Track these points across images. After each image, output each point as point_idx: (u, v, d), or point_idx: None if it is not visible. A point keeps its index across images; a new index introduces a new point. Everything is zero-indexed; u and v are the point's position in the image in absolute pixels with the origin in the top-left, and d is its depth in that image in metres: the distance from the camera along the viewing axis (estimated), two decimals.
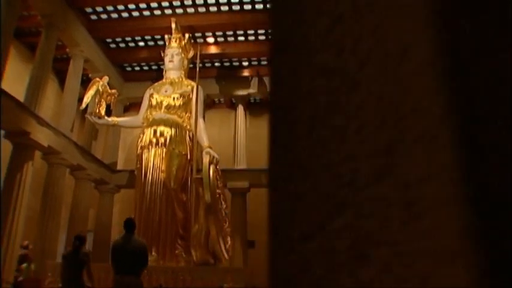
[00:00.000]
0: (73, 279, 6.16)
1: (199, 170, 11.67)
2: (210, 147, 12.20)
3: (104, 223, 16.85)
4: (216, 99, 19.97)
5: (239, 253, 15.14)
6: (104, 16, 15.68)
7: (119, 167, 18.24)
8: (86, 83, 14.92)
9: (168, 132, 12.53)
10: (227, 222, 11.65)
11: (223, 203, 11.64)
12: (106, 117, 14.07)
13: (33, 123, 12.09)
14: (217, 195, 11.13)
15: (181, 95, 13.22)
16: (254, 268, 13.30)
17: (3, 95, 10.94)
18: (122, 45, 17.43)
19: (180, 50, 14.14)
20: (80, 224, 14.99)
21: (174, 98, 13.13)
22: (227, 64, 18.49)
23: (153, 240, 11.67)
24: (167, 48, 14.33)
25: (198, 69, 12.98)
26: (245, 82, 18.45)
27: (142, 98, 14.84)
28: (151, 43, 17.12)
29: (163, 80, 14.08)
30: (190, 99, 13.24)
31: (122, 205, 18.69)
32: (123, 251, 5.63)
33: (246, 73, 18.54)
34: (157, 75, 15.95)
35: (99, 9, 15.30)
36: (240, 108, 18.15)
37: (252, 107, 19.67)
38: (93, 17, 15.71)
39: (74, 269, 6.20)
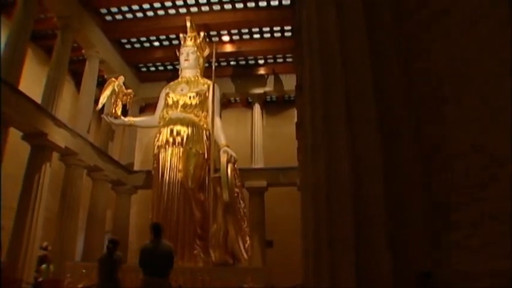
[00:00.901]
0: (108, 279, 6.67)
1: (216, 170, 11.53)
2: (228, 146, 12.03)
3: (121, 224, 16.83)
4: (232, 99, 19.87)
5: (257, 253, 15.00)
6: (118, 17, 15.66)
7: (136, 167, 18.24)
8: (101, 84, 14.92)
9: (184, 131, 12.40)
10: (246, 222, 11.45)
11: (241, 202, 11.44)
12: (122, 117, 14.01)
13: (50, 124, 12.11)
14: (236, 194, 10.94)
15: (198, 94, 13.08)
16: (272, 268, 13.16)
17: (21, 96, 10.98)
18: (137, 45, 17.41)
19: (196, 49, 14.01)
20: (98, 225, 15.01)
21: (190, 97, 13.00)
22: (243, 63, 18.34)
23: (171, 240, 11.40)
24: (182, 47, 14.22)
25: (214, 67, 12.84)
26: (261, 80, 18.30)
27: (158, 98, 14.76)
28: (166, 43, 17.06)
29: (179, 79, 13.96)
30: (206, 98, 13.10)
31: (139, 206, 18.68)
32: (152, 254, 5.98)
33: (261, 71, 18.39)
34: (173, 75, 15.90)
35: (113, 9, 15.29)
36: (257, 107, 18.00)
37: (268, 105, 19.53)
38: (108, 17, 15.70)
39: (109, 271, 6.71)
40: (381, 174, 1.94)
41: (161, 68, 18.93)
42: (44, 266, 12.26)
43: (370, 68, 2.12)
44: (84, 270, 10.86)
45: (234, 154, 11.59)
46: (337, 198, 2.07)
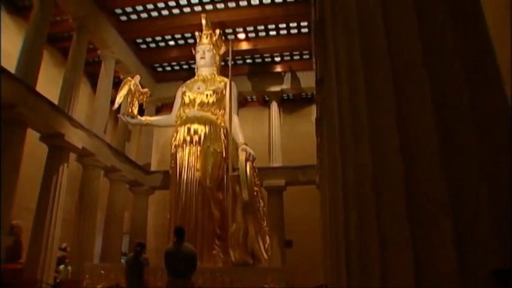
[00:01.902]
0: (135, 280, 6.99)
1: (235, 169, 11.35)
2: (246, 144, 11.84)
3: (139, 225, 16.77)
4: (248, 97, 19.70)
5: (277, 253, 14.77)
6: (133, 16, 15.60)
7: (153, 168, 18.18)
8: (117, 85, 14.84)
9: (202, 129, 12.22)
10: (265, 221, 11.25)
11: (260, 201, 11.24)
12: (139, 117, 13.90)
13: (67, 125, 12.07)
14: (255, 193, 10.73)
15: (215, 92, 12.90)
16: (292, 268, 12.93)
17: (38, 97, 10.96)
18: (152, 45, 17.32)
19: (212, 46, 13.83)
20: (116, 226, 14.95)
21: (207, 95, 12.81)
22: (259, 60, 18.14)
23: (189, 241, 11.24)
24: (198, 45, 14.05)
25: (230, 65, 12.65)
26: (278, 78, 18.08)
27: (174, 98, 14.65)
28: (181, 42, 16.95)
29: (195, 78, 13.80)
30: (223, 96, 12.92)
31: (157, 207, 18.61)
32: (175, 256, 6.24)
33: (278, 69, 18.18)
34: (189, 75, 15.74)
35: (128, 9, 15.22)
36: (274, 105, 17.80)
37: (285, 104, 19.32)
38: (123, 18, 15.65)
39: (136, 272, 7.00)
40: (438, 161, 1.68)
41: (177, 67, 18.83)
42: (62, 266, 12.26)
43: (419, 39, 1.87)
44: (102, 271, 10.81)
45: (252, 152, 11.39)
46: (387, 191, 1.83)
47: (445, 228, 1.60)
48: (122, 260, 15.99)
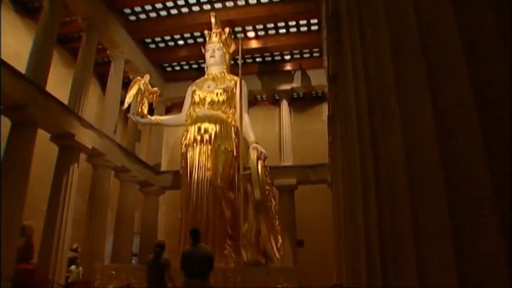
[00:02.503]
0: (156, 282, 6.99)
1: (246, 168, 11.22)
2: (257, 143, 11.71)
3: (149, 225, 16.72)
4: (258, 96, 19.59)
5: (288, 252, 14.62)
6: (142, 16, 15.55)
7: (163, 168, 18.12)
8: (127, 85, 14.79)
9: (212, 128, 12.10)
10: (277, 220, 11.11)
11: (272, 200, 11.11)
12: (149, 116, 13.83)
13: (77, 125, 12.04)
14: (267, 192, 10.60)
15: (225, 90, 12.77)
16: (304, 267, 12.80)
17: (48, 98, 10.94)
18: (162, 44, 17.26)
19: (221, 45, 13.71)
20: (126, 227, 14.89)
21: (217, 94, 12.69)
22: (268, 59, 18.01)
23: (201, 241, 11.26)
24: (208, 43, 13.95)
25: (240, 63, 12.53)
26: (288, 76, 17.95)
27: (184, 97, 14.57)
28: (190, 41, 16.87)
29: (205, 76, 13.68)
30: (233, 94, 12.79)
31: (167, 207, 18.55)
32: (192, 257, 6.37)
33: (288, 67, 18.04)
34: (198, 74, 15.62)
35: (137, 9, 15.17)
36: (284, 104, 17.66)
37: (295, 102, 19.17)
38: (132, 17, 15.61)
39: (156, 273, 7.01)
40: (481, 152, 1.54)
41: (186, 67, 18.76)
42: (73, 267, 12.24)
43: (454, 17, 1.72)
44: (113, 272, 10.76)
45: (264, 151, 11.27)
46: (423, 181, 1.69)
47: (491, 220, 1.46)
48: (133, 261, 15.98)
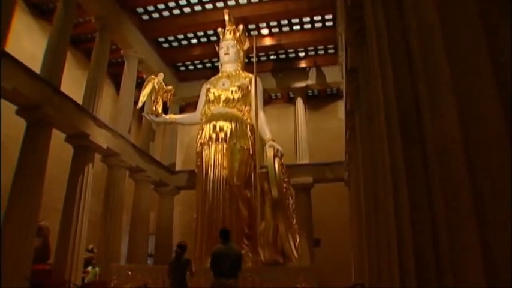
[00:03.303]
0: (178, 281, 7.20)
1: (262, 166, 11.05)
2: (273, 140, 11.54)
3: (164, 225, 16.62)
4: (272, 95, 19.39)
5: (305, 252, 14.39)
6: (155, 15, 15.45)
7: (178, 168, 18.02)
8: (140, 85, 14.72)
9: (228, 126, 11.94)
10: (294, 219, 10.90)
11: (290, 198, 10.91)
12: (163, 115, 13.72)
13: (92, 125, 11.97)
14: (285, 190, 10.42)
15: (240, 88, 12.61)
16: (322, 267, 12.61)
17: (63, 98, 10.89)
18: (175, 44, 17.15)
19: (235, 42, 13.56)
20: (142, 227, 14.81)
21: (232, 91, 12.54)
22: (283, 56, 17.81)
23: (217, 240, 11.08)
24: (222, 41, 13.81)
25: (255, 60, 12.34)
26: (302, 73, 17.73)
27: (198, 97, 14.46)
28: (204, 39, 16.73)
29: (220, 74, 13.55)
30: (249, 92, 12.63)
31: (182, 207, 18.45)
32: (223, 257, 6.44)
33: (302, 64, 17.81)
34: (212, 73, 15.44)
35: (150, 8, 15.07)
36: (299, 101, 17.44)
37: (310, 100, 18.93)
38: (145, 17, 15.53)
39: (179, 273, 7.21)
40: None
41: (200, 66, 18.64)
42: (90, 267, 12.20)
43: None
44: (129, 272, 10.70)
45: (280, 148, 11.09)
46: (486, 167, 1.48)
47: None
48: (149, 261, 15.90)
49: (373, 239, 5.76)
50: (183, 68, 18.93)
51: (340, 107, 19.00)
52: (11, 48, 9.29)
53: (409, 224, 3.31)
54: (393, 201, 3.56)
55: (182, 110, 18.59)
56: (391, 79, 3.77)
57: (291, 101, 18.95)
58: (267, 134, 11.93)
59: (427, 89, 2.23)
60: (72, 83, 13.86)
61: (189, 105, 18.64)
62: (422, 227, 3.18)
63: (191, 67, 18.85)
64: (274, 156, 10.33)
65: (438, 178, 2.00)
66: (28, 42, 13.56)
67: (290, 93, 18.93)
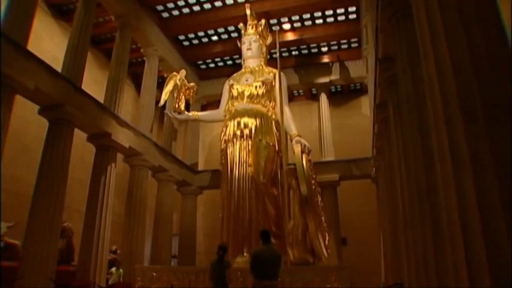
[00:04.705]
0: (220, 281, 7.36)
1: (289, 164, 10.68)
2: (300, 136, 11.17)
3: (188, 227, 16.39)
4: (294, 91, 19.02)
5: (333, 251, 13.97)
6: (175, 12, 15.24)
7: (200, 168, 17.78)
8: (161, 85, 14.51)
9: (252, 123, 11.60)
10: (323, 217, 10.52)
11: (318, 195, 10.53)
12: (186, 112, 13.46)
13: (114, 124, 11.79)
14: (313, 187, 10.05)
15: (264, 83, 12.26)
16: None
17: (85, 97, 10.74)
18: (195, 41, 16.93)
19: (258, 37, 13.22)
20: (165, 228, 14.59)
21: (256, 87, 12.20)
22: (305, 52, 17.42)
23: (244, 240, 10.81)
24: (244, 36, 13.48)
25: (278, 54, 11.98)
26: (326, 69, 17.34)
27: (219, 95, 14.21)
28: (224, 36, 16.46)
29: (243, 70, 13.23)
30: (273, 87, 12.29)
31: (205, 207, 18.25)
32: (265, 259, 6.32)
33: (325, 59, 17.42)
34: (233, 70, 15.16)
35: (170, 5, 14.85)
36: (323, 97, 17.04)
37: (333, 96, 18.51)
38: (165, 14, 15.35)
39: (220, 273, 7.40)
40: None
41: (221, 63, 18.38)
42: (113, 269, 12.04)
43: None
44: (154, 273, 10.47)
45: (307, 144, 10.74)
46: None
47: None
48: (172, 263, 15.68)
49: (418, 236, 5.36)
50: (203, 66, 18.70)
51: (364, 102, 18.55)
52: (32, 49, 9.15)
53: (477, 218, 2.93)
54: (455, 194, 3.17)
55: (203, 109, 18.37)
56: (447, 55, 3.39)
57: (314, 97, 18.60)
58: (293, 129, 11.57)
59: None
60: (93, 83, 13.74)
61: (210, 104, 18.41)
62: (493, 221, 2.80)
63: (212, 65, 18.60)
64: (302, 152, 9.98)
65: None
66: (49, 44, 13.49)
67: (313, 89, 18.55)
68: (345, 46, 17.04)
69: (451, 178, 3.20)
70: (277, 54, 12.15)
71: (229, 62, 18.04)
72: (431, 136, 3.85)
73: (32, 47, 9.21)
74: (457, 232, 3.10)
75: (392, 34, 6.38)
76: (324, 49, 17.20)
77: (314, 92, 18.58)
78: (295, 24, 15.76)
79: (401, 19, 6.12)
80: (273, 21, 15.31)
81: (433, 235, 4.65)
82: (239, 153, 11.45)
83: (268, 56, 14.25)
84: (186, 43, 17.02)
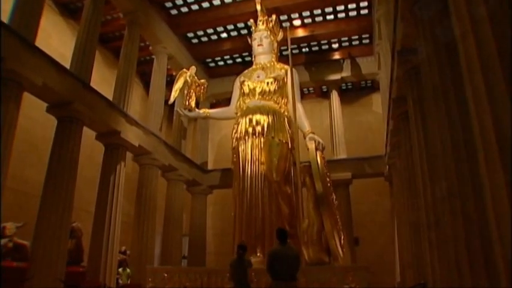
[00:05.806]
0: (240, 281, 7.30)
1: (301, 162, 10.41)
2: (313, 133, 10.89)
3: (198, 226, 16.17)
4: (305, 89, 18.71)
5: (346, 250, 13.68)
6: (184, 9, 15.03)
7: (209, 167, 17.55)
8: (170, 84, 14.29)
9: (265, 120, 11.32)
10: (338, 215, 10.21)
11: (333, 193, 10.23)
12: (197, 110, 13.23)
13: (123, 122, 11.60)
14: (328, 184, 9.76)
15: (275, 79, 11.99)
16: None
17: (94, 95, 10.56)
18: (204, 39, 16.70)
19: (269, 33, 12.94)
20: (175, 228, 14.38)
21: (267, 83, 11.93)
22: (315, 48, 17.12)
23: (257, 240, 10.53)
24: (254, 32, 13.21)
25: (290, 51, 11.70)
26: (337, 65, 17.05)
27: (228, 93, 13.98)
28: (234, 33, 16.21)
29: (254, 66, 12.97)
30: (285, 84, 12.01)
31: (214, 207, 18.01)
32: (283, 259, 6.09)
33: (336, 56, 17.14)
34: (243, 68, 14.86)
35: (178, 2, 14.65)
36: (334, 94, 16.77)
37: (344, 94, 18.19)
38: (173, 11, 15.15)
39: (240, 273, 7.34)
40: None
41: (230, 61, 18.13)
42: (120, 269, 11.86)
43: None
44: (165, 274, 10.22)
45: (321, 141, 10.46)
46: None
47: None
48: (182, 263, 15.44)
49: (443, 235, 5.08)
50: (212, 64, 18.47)
51: (375, 99, 18.22)
52: (40, 46, 8.95)
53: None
54: (504, 185, 2.90)
55: (212, 107, 18.08)
56: (490, 34, 3.12)
57: (324, 95, 18.33)
58: (306, 126, 11.31)
59: None
60: (101, 81, 13.56)
61: (219, 102, 18.18)
62: None
63: (221, 63, 18.36)
64: (316, 149, 9.70)
65: None
66: (57, 42, 13.32)
67: (323, 87, 18.28)
68: (356, 42, 16.74)
69: (498, 166, 2.92)
70: (289, 50, 11.86)
71: (239, 60, 17.81)
72: (471, 126, 3.57)
73: (40, 45, 9.02)
74: (506, 232, 2.83)
75: (415, 23, 6.09)
76: (335, 45, 16.92)
77: (324, 90, 18.33)
78: (305, 20, 15.49)
79: (423, 7, 5.83)
80: (283, 17, 15.05)
81: (465, 234, 4.38)
82: (251, 151, 11.17)
83: (279, 54, 13.98)
84: (195, 40, 16.81)
